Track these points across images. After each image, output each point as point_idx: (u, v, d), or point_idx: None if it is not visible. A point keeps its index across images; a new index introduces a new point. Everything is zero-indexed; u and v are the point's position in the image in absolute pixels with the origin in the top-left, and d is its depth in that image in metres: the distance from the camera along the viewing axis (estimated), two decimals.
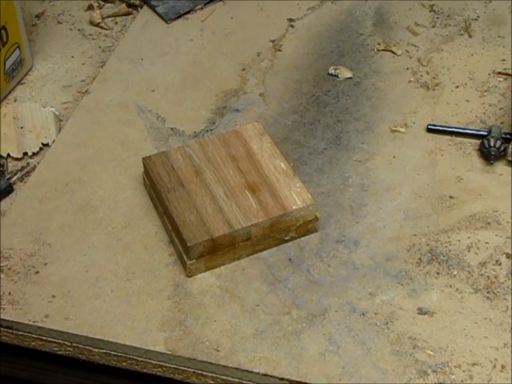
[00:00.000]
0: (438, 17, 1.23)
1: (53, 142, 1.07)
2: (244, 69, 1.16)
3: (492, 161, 0.99)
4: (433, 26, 1.21)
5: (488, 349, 0.82)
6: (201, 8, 1.28)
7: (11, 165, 1.05)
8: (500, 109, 1.07)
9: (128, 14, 1.29)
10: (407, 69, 1.15)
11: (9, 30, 1.11)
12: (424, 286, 0.88)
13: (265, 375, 0.81)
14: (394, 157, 1.03)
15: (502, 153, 1.00)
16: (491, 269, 0.89)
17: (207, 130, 1.07)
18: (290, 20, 1.24)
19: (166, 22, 1.25)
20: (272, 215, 0.90)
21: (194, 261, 0.89)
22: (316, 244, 0.93)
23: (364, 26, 1.22)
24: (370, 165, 1.01)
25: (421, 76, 1.13)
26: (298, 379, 0.81)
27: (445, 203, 0.96)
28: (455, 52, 1.17)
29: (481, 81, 1.12)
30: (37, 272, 0.91)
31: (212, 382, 0.84)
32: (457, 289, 0.87)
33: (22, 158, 1.06)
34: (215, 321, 0.86)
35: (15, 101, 1.14)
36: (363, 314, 0.86)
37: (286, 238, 0.93)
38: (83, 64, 1.20)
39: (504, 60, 1.15)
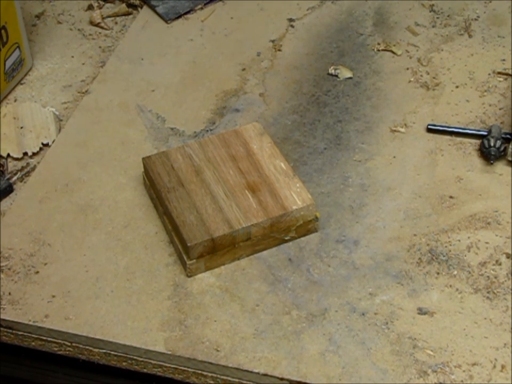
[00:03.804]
0: (438, 17, 1.23)
1: (53, 142, 1.07)
2: (244, 69, 1.16)
3: (491, 161, 0.99)
4: (433, 26, 1.21)
5: (488, 349, 0.82)
6: (201, 8, 1.28)
7: (11, 165, 1.05)
8: (500, 109, 1.07)
9: (128, 14, 1.29)
10: (407, 69, 1.15)
11: (9, 30, 1.11)
12: (424, 286, 0.88)
13: (265, 375, 0.81)
14: (394, 157, 1.03)
15: (502, 153, 1.00)
16: (491, 269, 0.89)
17: (207, 130, 1.07)
18: (290, 20, 1.24)
19: (166, 22, 1.25)
20: (272, 215, 0.90)
21: (194, 261, 0.89)
22: (316, 244, 0.93)
23: (364, 26, 1.22)
24: (370, 165, 1.01)
25: (421, 76, 1.13)
26: (298, 379, 0.81)
27: (445, 203, 0.96)
28: (455, 52, 1.17)
29: (481, 81, 1.12)
30: (37, 272, 0.91)
31: (212, 382, 0.84)
32: (457, 289, 0.87)
33: (22, 158, 1.06)
34: (215, 321, 0.86)
35: (15, 101, 1.14)
36: (363, 314, 0.86)
37: (286, 238, 0.93)
38: (83, 64, 1.20)
39: (504, 59, 1.15)
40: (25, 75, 1.18)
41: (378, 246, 0.92)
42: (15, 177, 1.03)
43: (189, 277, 0.90)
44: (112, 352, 0.86)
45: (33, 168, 1.04)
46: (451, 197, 0.97)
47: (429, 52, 1.17)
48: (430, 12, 1.24)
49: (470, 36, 1.19)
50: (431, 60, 1.16)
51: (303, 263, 0.91)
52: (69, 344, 0.87)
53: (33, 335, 0.88)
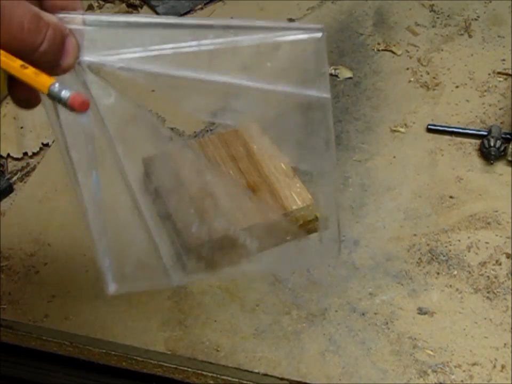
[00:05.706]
0: (438, 17, 1.23)
1: (53, 142, 1.07)
2: None
3: (492, 161, 0.99)
4: (433, 26, 1.21)
5: (488, 349, 0.82)
6: (201, 8, 1.28)
7: (11, 165, 1.05)
8: (499, 109, 1.07)
9: (128, 14, 1.29)
10: (407, 69, 1.15)
11: None
12: (424, 286, 0.88)
13: (265, 375, 0.81)
14: (394, 157, 1.02)
15: (502, 153, 1.00)
16: (491, 269, 0.89)
17: (207, 130, 1.07)
18: (290, 20, 1.24)
19: None
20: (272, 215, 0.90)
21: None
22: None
23: (364, 26, 1.22)
24: (370, 165, 1.01)
25: (421, 76, 1.13)
26: (298, 379, 0.81)
27: (445, 203, 0.96)
28: (455, 52, 1.17)
29: (481, 81, 1.12)
30: (37, 272, 0.91)
31: (211, 382, 0.84)
32: (457, 289, 0.87)
33: (22, 158, 1.06)
34: (215, 321, 0.86)
35: None
36: (363, 314, 0.86)
37: None
38: None
39: (504, 59, 1.15)
40: None
41: (378, 246, 0.92)
42: (15, 177, 1.03)
43: None
44: (112, 352, 0.86)
45: (33, 168, 1.04)
46: (451, 197, 0.97)
47: (429, 52, 1.17)
48: (430, 12, 1.24)
49: (470, 36, 1.19)
50: (431, 60, 1.16)
51: None
52: (69, 344, 0.87)
53: (33, 335, 0.88)
